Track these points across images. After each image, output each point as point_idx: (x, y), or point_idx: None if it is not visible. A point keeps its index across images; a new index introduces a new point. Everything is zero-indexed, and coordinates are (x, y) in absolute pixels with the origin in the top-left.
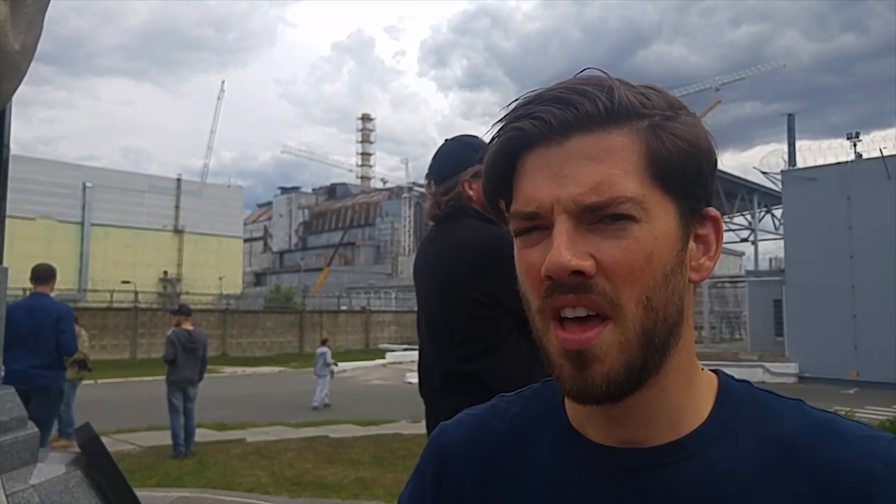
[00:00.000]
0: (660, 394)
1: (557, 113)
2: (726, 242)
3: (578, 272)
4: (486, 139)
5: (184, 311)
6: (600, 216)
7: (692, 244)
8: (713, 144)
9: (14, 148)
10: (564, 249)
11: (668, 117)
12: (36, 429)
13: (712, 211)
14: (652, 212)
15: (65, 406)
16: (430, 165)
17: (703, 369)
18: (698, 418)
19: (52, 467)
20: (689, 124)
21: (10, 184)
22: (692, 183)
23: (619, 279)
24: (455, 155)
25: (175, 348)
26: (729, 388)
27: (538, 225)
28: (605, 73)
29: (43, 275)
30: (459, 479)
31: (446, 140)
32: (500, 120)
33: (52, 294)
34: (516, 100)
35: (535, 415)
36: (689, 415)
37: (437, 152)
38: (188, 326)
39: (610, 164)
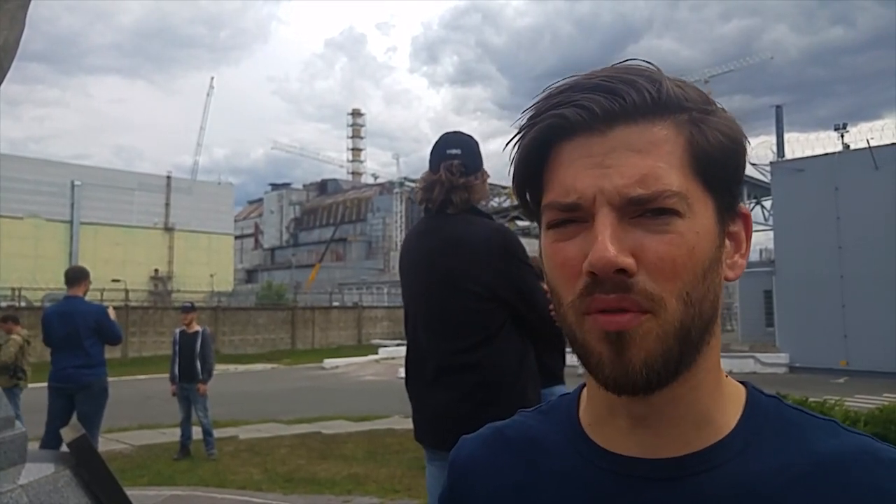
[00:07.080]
0: (690, 392)
1: (603, 101)
2: None
3: (622, 270)
4: (517, 127)
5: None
6: (643, 210)
7: (726, 241)
8: (746, 140)
9: (3, 146)
10: (610, 244)
11: (707, 111)
12: (24, 428)
13: (743, 208)
14: (694, 207)
15: None
16: (459, 154)
17: (727, 376)
18: (724, 428)
19: (41, 467)
20: (728, 119)
21: None
22: (731, 179)
23: (661, 275)
24: (478, 151)
25: None
26: (757, 402)
27: (575, 217)
28: (650, 63)
29: (73, 277)
30: (475, 491)
31: (457, 132)
32: (531, 108)
33: (79, 294)
34: (545, 89)
35: (553, 427)
36: (715, 420)
37: (462, 142)
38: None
39: (655, 157)
